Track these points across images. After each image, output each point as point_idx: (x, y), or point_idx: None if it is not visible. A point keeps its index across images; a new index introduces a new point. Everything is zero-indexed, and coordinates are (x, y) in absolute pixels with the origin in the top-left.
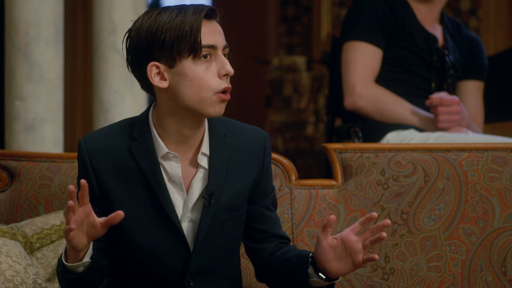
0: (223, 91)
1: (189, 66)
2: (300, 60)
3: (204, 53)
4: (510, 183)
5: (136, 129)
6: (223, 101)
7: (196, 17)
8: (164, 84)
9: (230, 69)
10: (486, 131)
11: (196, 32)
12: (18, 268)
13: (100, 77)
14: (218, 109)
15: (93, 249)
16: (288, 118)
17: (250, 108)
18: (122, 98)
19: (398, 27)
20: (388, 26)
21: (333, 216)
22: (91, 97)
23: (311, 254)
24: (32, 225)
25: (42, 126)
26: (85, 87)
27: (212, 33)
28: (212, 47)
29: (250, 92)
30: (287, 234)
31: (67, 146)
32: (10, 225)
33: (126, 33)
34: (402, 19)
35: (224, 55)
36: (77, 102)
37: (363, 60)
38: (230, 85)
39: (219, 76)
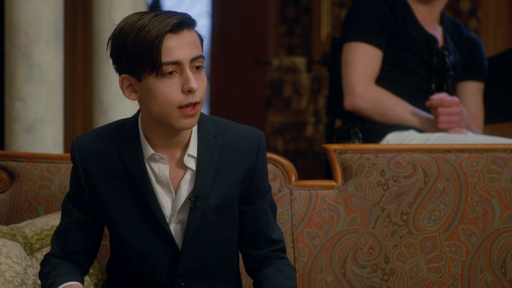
0: (187, 106)
1: (153, 82)
2: (300, 61)
3: (168, 70)
4: (510, 184)
5: (125, 130)
6: (187, 116)
7: (159, 32)
8: (134, 97)
9: (193, 86)
10: (486, 132)
11: (155, 51)
12: (18, 269)
13: (100, 77)
14: (184, 123)
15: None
16: (288, 119)
17: (250, 109)
18: (122, 98)
19: (398, 28)
20: (388, 27)
21: None
22: (91, 98)
23: None
24: (32, 226)
25: (42, 127)
26: (85, 88)
27: (177, 48)
28: (176, 63)
29: (250, 93)
30: (286, 235)
31: (67, 147)
32: (10, 226)
33: (109, 38)
34: (402, 20)
35: (198, 66)
36: (77, 103)
37: (363, 61)
38: (195, 100)
39: (183, 92)
